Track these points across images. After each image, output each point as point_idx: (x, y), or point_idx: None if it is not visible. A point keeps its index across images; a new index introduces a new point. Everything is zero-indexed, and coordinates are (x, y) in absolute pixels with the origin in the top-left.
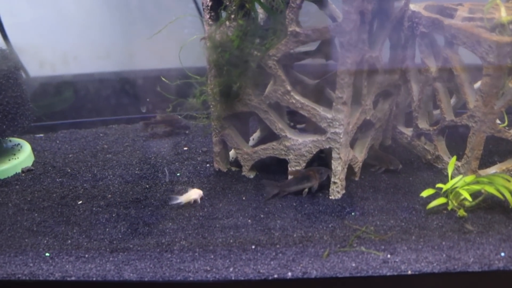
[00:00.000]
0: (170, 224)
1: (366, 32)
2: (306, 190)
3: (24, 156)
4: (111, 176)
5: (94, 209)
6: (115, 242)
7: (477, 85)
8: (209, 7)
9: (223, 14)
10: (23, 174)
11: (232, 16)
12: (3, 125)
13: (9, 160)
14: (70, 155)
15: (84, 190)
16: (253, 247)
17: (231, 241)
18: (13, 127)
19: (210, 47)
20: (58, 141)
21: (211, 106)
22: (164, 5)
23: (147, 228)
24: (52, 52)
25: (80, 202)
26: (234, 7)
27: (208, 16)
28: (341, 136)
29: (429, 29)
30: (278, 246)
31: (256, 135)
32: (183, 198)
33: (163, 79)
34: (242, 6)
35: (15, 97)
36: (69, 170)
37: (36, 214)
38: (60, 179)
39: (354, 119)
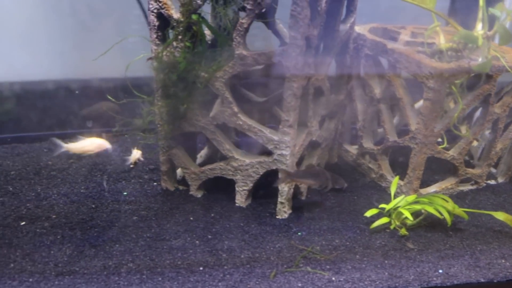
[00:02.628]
0: (117, 245)
1: (312, 56)
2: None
3: None
4: (55, 195)
5: (38, 230)
6: (60, 265)
7: (419, 104)
8: (156, 27)
9: (170, 34)
10: None
11: (179, 37)
12: None
13: None
14: (12, 172)
15: (27, 210)
16: (201, 268)
17: (179, 262)
18: None
19: (157, 67)
20: None
21: (158, 126)
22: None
23: (93, 250)
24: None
25: (23, 223)
26: (181, 28)
27: (155, 36)
28: (288, 158)
29: (373, 52)
30: (225, 267)
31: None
32: (72, 147)
33: (109, 97)
34: (189, 28)
35: None
36: (11, 189)
37: None
38: (1, 199)
39: (300, 140)
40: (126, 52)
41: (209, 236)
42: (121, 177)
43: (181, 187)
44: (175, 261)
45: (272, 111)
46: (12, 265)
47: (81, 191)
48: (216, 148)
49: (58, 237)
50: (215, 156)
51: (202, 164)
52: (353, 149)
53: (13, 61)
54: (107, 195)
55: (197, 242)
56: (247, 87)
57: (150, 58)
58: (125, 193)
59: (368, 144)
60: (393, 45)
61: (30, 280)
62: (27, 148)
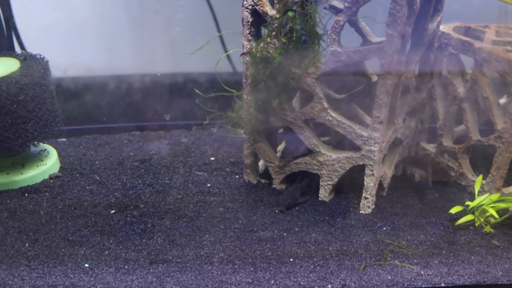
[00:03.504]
0: (207, 235)
1: (405, 54)
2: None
3: (51, 162)
4: (141, 185)
5: (128, 219)
6: (153, 253)
7: (502, 100)
8: (249, 23)
9: (263, 30)
10: (51, 181)
11: (273, 33)
12: (34, 132)
13: (37, 166)
14: (96, 162)
15: (116, 199)
16: (291, 260)
17: (269, 253)
18: (44, 133)
19: (250, 62)
20: (82, 147)
21: (245, 120)
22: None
23: (183, 240)
24: (68, 54)
25: (113, 211)
26: (276, 25)
27: (247, 32)
28: (376, 154)
29: (458, 51)
30: (315, 259)
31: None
32: None
33: (197, 91)
34: (284, 24)
35: (46, 104)
36: (97, 178)
37: (70, 223)
38: (89, 187)
39: (387, 137)
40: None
41: (296, 229)
42: (203, 169)
43: (263, 181)
44: (265, 252)
45: (351, 108)
46: (107, 252)
47: (165, 181)
48: (294, 144)
49: (148, 226)
50: (292, 150)
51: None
52: (431, 147)
53: (96, 55)
54: (191, 186)
55: (284, 234)
56: (325, 84)
57: (244, 54)
58: (208, 185)
59: (448, 142)
60: (480, 44)
61: (126, 267)
62: (108, 139)
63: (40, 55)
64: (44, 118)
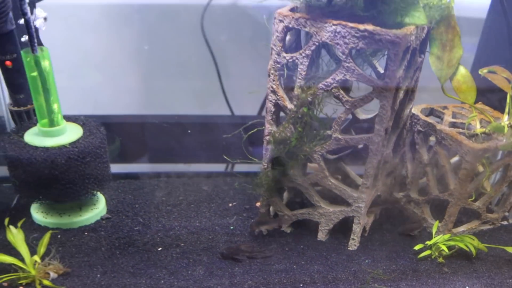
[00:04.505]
0: (237, 268)
1: (387, 139)
2: None
3: (102, 205)
4: (177, 227)
5: (173, 255)
6: (198, 282)
7: (455, 159)
8: (271, 112)
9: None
10: (103, 222)
11: (291, 121)
12: (94, 184)
13: (91, 209)
14: (136, 206)
15: (160, 239)
16: (301, 285)
17: (285, 281)
18: (101, 185)
19: (271, 142)
20: (120, 191)
21: (263, 181)
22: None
23: (219, 271)
24: (89, 93)
25: (160, 248)
26: (293, 116)
27: (270, 118)
28: (362, 209)
29: (425, 129)
30: (318, 284)
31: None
32: None
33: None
34: (300, 117)
35: (103, 162)
36: (141, 220)
37: (128, 258)
38: (136, 228)
39: (370, 196)
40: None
41: (303, 262)
42: (225, 214)
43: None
44: (282, 280)
45: (339, 166)
46: (162, 281)
47: (196, 224)
48: (293, 193)
49: (190, 260)
50: (293, 199)
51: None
52: (399, 195)
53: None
54: (218, 228)
55: (294, 266)
56: None
57: (267, 135)
58: (231, 228)
59: (414, 195)
60: (440, 126)
61: None
62: (140, 184)
63: (94, 121)
64: (102, 173)
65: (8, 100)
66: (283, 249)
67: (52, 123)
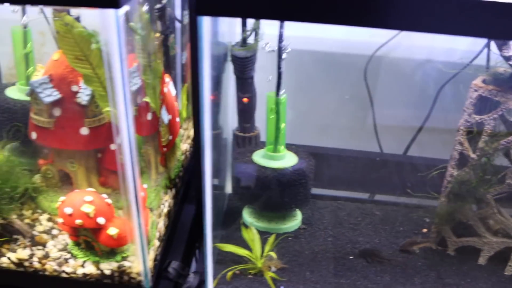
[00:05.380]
0: (416, 278)
1: None
2: None
3: (299, 217)
4: (362, 241)
5: (363, 263)
6: (387, 285)
7: None
8: (456, 159)
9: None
10: (301, 231)
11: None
12: (302, 201)
13: (292, 220)
14: (324, 221)
15: (350, 249)
16: None
17: None
18: (305, 202)
19: (452, 182)
20: (307, 208)
21: (440, 212)
22: None
23: (402, 279)
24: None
25: (351, 257)
26: (474, 164)
27: (453, 163)
28: None
29: None
30: None
31: None
32: None
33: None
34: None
35: (309, 183)
36: (331, 233)
37: (327, 262)
38: (329, 239)
39: None
40: None
41: (468, 279)
42: (398, 235)
43: (439, 248)
44: None
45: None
46: (359, 282)
47: (376, 241)
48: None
49: (378, 269)
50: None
51: None
52: None
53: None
54: (394, 246)
55: (462, 282)
56: None
57: (451, 176)
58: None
59: None
60: None
61: None
62: (322, 204)
63: (302, 150)
64: (307, 192)
65: (234, 126)
66: (450, 268)
67: (276, 150)
